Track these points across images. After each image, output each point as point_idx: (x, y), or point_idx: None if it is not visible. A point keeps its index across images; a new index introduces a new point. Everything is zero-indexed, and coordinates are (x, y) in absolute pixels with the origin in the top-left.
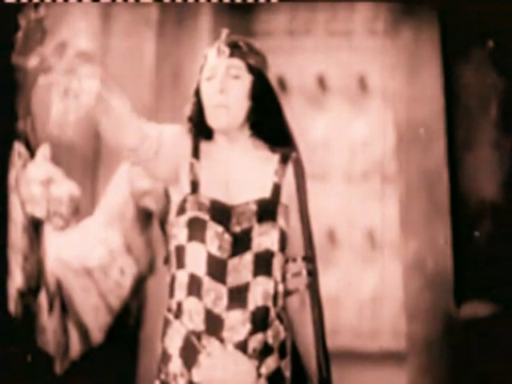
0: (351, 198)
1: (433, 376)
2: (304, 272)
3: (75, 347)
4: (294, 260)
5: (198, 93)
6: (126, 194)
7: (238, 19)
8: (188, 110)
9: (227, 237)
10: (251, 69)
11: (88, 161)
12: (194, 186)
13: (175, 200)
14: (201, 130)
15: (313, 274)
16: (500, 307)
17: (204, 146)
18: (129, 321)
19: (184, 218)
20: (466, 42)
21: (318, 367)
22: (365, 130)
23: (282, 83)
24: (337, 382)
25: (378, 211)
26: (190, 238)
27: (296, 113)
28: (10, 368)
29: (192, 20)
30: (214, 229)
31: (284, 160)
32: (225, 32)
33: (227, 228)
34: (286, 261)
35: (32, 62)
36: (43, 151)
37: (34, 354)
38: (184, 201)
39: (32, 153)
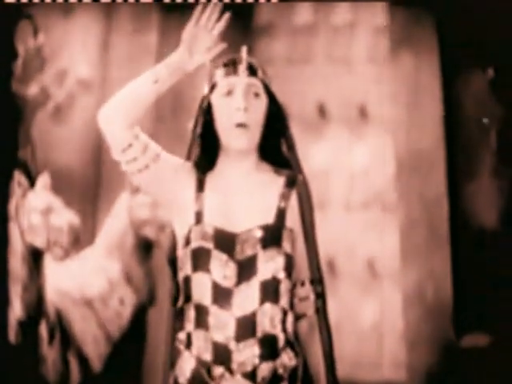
0: (351, 227)
1: None
2: (312, 296)
3: (75, 377)
4: (302, 284)
5: (208, 111)
6: (126, 223)
7: (238, 47)
8: (198, 129)
9: (232, 265)
10: (267, 89)
11: (88, 190)
12: (198, 217)
13: (180, 234)
14: (208, 153)
15: (321, 296)
16: (499, 337)
17: (209, 177)
18: (129, 350)
19: (189, 249)
20: (466, 70)
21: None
22: (365, 158)
23: None
24: None
25: (378, 240)
26: (195, 268)
27: (295, 140)
28: None
29: None
30: (218, 257)
31: (289, 183)
32: (244, 49)
33: (232, 256)
34: (294, 285)
35: (32, 90)
36: (43, 180)
37: (34, 383)
38: (189, 232)
39: (32, 182)
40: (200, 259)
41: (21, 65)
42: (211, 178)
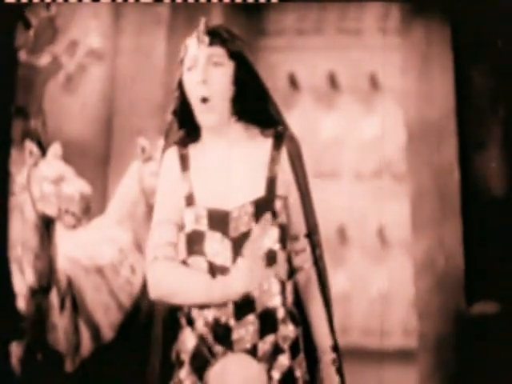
0: (362, 196)
1: (443, 374)
2: (308, 249)
3: (86, 345)
4: (297, 238)
5: (180, 86)
6: (137, 192)
7: (249, 19)
8: (172, 104)
9: (227, 243)
10: (233, 55)
11: (99, 159)
12: (189, 200)
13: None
14: (188, 124)
15: (317, 247)
16: (509, 305)
17: (193, 150)
18: (140, 318)
19: (183, 234)
20: (476, 41)
21: (333, 339)
22: (375, 128)
23: (293, 81)
24: (346, 380)
25: (389, 210)
26: (190, 252)
27: (307, 111)
28: (22, 365)
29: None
30: (212, 238)
31: (277, 143)
32: (203, 21)
33: (226, 234)
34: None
35: (43, 60)
36: (54, 149)
37: (44, 352)
38: (181, 216)
39: (43, 151)
40: (195, 243)
41: (33, 35)
42: (195, 153)
